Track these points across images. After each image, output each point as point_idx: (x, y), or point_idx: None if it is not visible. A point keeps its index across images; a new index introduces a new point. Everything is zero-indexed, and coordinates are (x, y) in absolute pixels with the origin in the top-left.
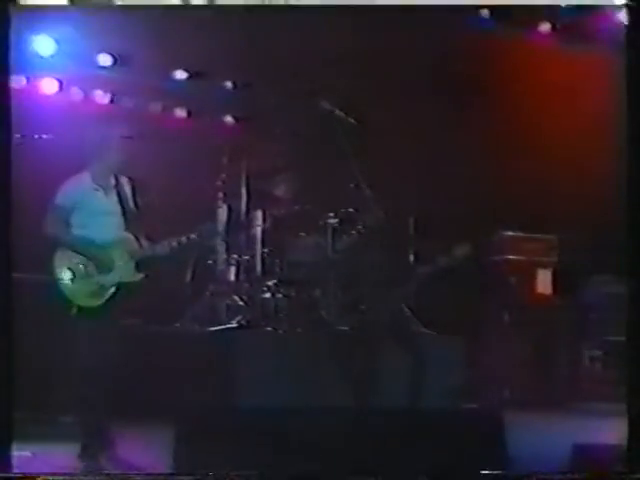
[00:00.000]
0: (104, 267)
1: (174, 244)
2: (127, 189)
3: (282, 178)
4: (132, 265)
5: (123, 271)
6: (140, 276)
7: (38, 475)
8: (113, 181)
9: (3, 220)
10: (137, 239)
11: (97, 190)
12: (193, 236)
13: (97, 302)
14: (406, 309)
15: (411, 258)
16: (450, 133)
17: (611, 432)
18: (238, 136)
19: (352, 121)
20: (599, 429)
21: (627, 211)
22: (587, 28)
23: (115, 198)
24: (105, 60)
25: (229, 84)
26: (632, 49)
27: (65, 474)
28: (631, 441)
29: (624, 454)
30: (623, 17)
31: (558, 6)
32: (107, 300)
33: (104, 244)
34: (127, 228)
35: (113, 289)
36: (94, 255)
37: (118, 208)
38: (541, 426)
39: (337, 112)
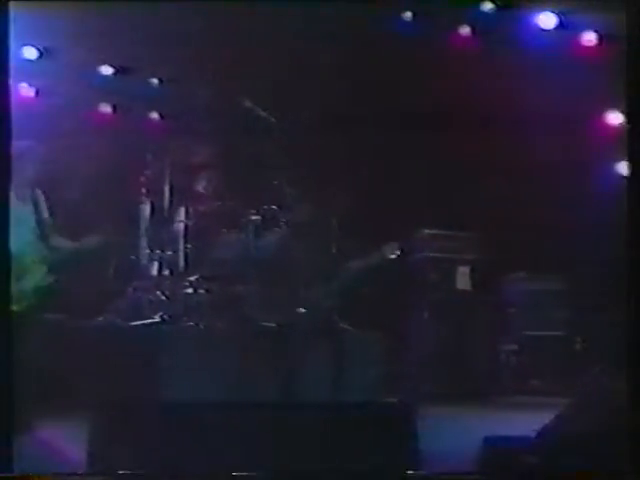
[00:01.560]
0: (21, 273)
1: (94, 241)
2: (42, 193)
3: (205, 175)
4: (45, 268)
5: (39, 275)
6: (58, 276)
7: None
8: (29, 186)
9: None
10: (50, 241)
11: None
12: (114, 232)
13: (19, 306)
14: (329, 306)
15: (334, 256)
16: (373, 131)
17: (527, 425)
18: (162, 132)
19: (273, 119)
20: (515, 422)
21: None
22: (507, 31)
23: (30, 204)
24: (30, 53)
25: (155, 80)
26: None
27: (66, 474)
28: (631, 441)
29: (542, 446)
30: (542, 21)
31: (479, 9)
32: (30, 303)
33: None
34: (42, 232)
35: (32, 293)
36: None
37: (32, 214)
38: (459, 419)
39: (258, 111)
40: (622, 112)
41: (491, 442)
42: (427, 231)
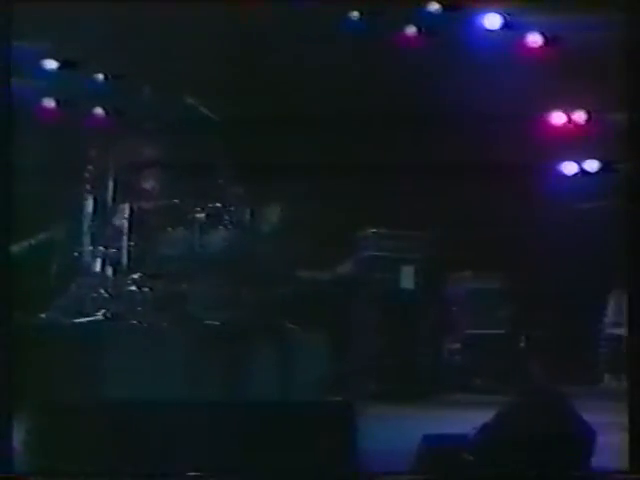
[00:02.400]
0: None
1: (38, 237)
2: None
3: (150, 172)
4: None
5: None
6: None
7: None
8: None
9: None
10: None
11: None
12: (57, 228)
13: None
14: (274, 305)
15: (280, 255)
16: (319, 129)
17: (471, 423)
18: (107, 128)
19: (216, 118)
20: (459, 420)
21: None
22: (453, 31)
23: None
24: None
25: (100, 76)
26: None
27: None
28: (632, 441)
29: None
30: (487, 22)
31: (425, 9)
32: None
33: None
34: None
35: None
36: None
37: None
38: (402, 418)
39: (202, 108)
40: (585, 111)
41: (429, 441)
42: (372, 230)
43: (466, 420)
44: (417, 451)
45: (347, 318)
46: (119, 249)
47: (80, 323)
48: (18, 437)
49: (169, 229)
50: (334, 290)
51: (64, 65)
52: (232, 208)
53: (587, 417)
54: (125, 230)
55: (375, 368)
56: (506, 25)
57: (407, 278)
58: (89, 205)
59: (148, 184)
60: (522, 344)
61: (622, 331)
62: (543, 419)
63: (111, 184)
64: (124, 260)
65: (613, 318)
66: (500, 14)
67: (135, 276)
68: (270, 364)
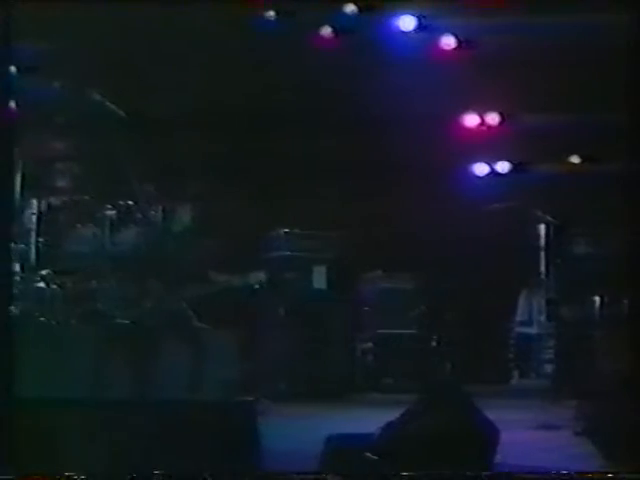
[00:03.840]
0: None
1: None
2: None
3: (60, 167)
4: None
5: None
6: None
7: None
8: None
9: None
10: None
11: None
12: None
13: None
14: (184, 303)
15: (189, 253)
16: (229, 129)
17: (380, 422)
18: (18, 122)
19: (122, 114)
20: (369, 419)
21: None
22: (368, 33)
23: None
24: None
25: (13, 69)
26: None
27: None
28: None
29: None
30: (402, 24)
31: (341, 10)
32: None
33: None
34: None
35: None
36: None
37: None
38: (313, 418)
39: (108, 104)
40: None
41: (334, 440)
42: (284, 230)
43: (378, 419)
44: (322, 451)
45: (258, 317)
46: (27, 245)
47: None
48: None
49: (79, 225)
50: (245, 289)
51: None
52: (143, 206)
53: (497, 415)
54: (33, 226)
55: (286, 368)
56: (420, 27)
57: (319, 278)
58: None
59: (58, 180)
60: (434, 343)
61: (531, 330)
62: (445, 417)
63: (19, 179)
64: (32, 256)
65: (522, 317)
66: (415, 16)
67: (44, 273)
68: (179, 363)
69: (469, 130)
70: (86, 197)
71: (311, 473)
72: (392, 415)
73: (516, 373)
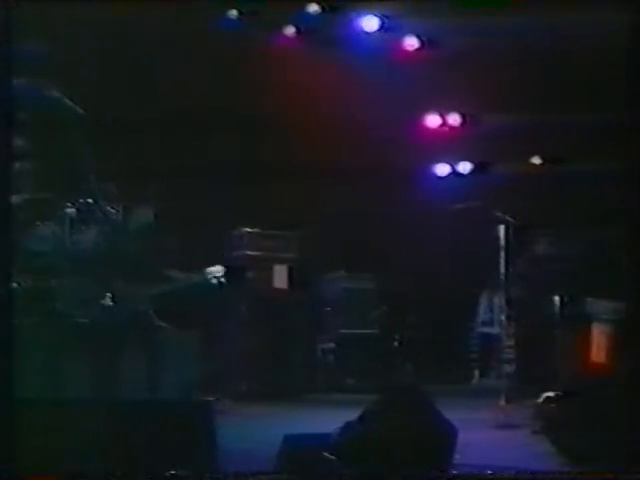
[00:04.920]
0: None
1: None
2: None
3: (20, 165)
4: None
5: None
6: None
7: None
8: None
9: None
10: None
11: None
12: None
13: None
14: (145, 303)
15: (150, 251)
16: (192, 129)
17: (340, 422)
18: None
19: (81, 110)
20: (328, 419)
21: (365, 209)
22: (331, 33)
23: None
24: None
25: None
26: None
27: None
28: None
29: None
30: (365, 24)
31: (304, 10)
32: None
33: None
34: None
35: None
36: None
37: None
38: (274, 418)
39: (65, 100)
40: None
41: (291, 440)
42: (245, 229)
43: (339, 419)
44: (279, 451)
45: (219, 317)
46: None
47: None
48: None
49: (38, 223)
50: (206, 289)
51: None
52: (103, 204)
53: (457, 414)
54: None
55: (247, 367)
56: (383, 28)
57: (280, 278)
58: None
59: (17, 177)
60: (395, 344)
61: (492, 330)
62: (403, 418)
63: None
64: None
65: (483, 317)
66: (378, 17)
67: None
68: (139, 362)
69: (431, 130)
70: (46, 195)
71: (266, 474)
72: (353, 415)
73: (477, 373)
